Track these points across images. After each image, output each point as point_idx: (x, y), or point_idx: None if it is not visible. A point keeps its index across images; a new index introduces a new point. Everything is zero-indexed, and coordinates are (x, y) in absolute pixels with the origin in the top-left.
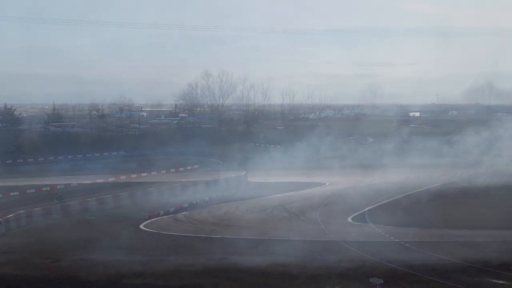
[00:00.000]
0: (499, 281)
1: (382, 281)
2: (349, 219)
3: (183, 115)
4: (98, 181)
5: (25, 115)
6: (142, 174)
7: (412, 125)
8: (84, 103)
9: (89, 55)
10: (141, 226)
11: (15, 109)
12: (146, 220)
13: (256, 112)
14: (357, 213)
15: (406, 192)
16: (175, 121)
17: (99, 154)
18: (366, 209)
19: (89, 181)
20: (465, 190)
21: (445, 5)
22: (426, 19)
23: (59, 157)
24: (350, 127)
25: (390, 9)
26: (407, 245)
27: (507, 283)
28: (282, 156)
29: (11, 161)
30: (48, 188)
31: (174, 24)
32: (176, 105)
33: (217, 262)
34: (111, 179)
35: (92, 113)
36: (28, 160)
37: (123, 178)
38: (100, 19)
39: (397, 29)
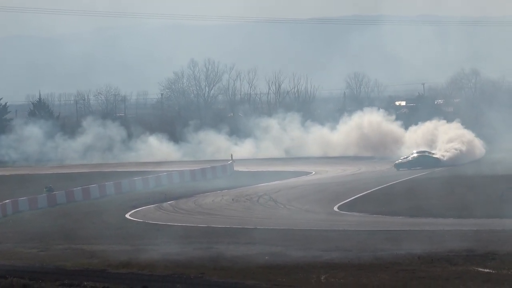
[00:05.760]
0: (485, 270)
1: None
2: (335, 208)
3: None
4: None
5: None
6: None
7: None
8: (69, 92)
9: (71, 44)
10: (127, 216)
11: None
12: (132, 209)
13: None
14: (343, 202)
15: (393, 181)
16: None
17: None
18: (353, 198)
19: None
20: (452, 179)
21: None
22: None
23: None
24: None
25: None
26: (393, 234)
27: (493, 271)
28: None
29: None
30: None
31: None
32: (162, 94)
33: (203, 251)
34: None
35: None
36: None
37: None
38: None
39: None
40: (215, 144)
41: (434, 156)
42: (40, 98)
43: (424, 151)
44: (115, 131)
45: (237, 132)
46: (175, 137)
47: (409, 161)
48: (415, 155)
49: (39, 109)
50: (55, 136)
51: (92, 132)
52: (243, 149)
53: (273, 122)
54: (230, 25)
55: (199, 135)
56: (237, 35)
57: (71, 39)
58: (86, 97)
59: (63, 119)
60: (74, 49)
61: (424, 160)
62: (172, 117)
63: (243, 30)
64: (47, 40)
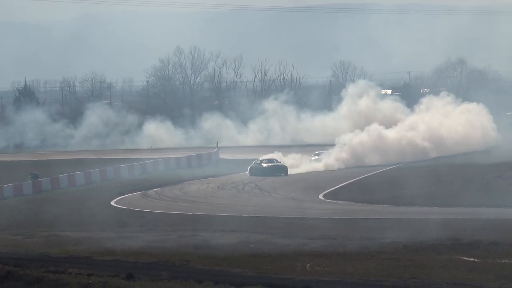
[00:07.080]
0: (470, 259)
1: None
2: (321, 196)
3: None
4: None
5: None
6: None
7: None
8: (55, 79)
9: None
10: (112, 203)
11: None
12: (117, 196)
13: None
14: (328, 190)
15: (379, 170)
16: None
17: None
18: (338, 186)
19: None
20: (437, 168)
21: None
22: None
23: None
24: None
25: None
26: (378, 222)
27: (478, 260)
28: None
29: None
30: None
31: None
32: (147, 82)
33: (188, 239)
34: None
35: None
36: None
37: None
38: None
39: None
40: (222, 131)
41: (279, 164)
42: (25, 85)
43: (272, 159)
44: (118, 117)
45: (237, 119)
46: (178, 123)
47: (258, 168)
48: (263, 163)
49: (25, 96)
50: (56, 123)
51: (91, 119)
52: (250, 137)
53: (273, 107)
54: (216, 12)
55: (207, 121)
56: (223, 23)
57: (57, 26)
58: (71, 84)
59: (49, 105)
60: (60, 36)
61: (269, 168)
62: (170, 105)
63: (229, 18)
64: (33, 27)
